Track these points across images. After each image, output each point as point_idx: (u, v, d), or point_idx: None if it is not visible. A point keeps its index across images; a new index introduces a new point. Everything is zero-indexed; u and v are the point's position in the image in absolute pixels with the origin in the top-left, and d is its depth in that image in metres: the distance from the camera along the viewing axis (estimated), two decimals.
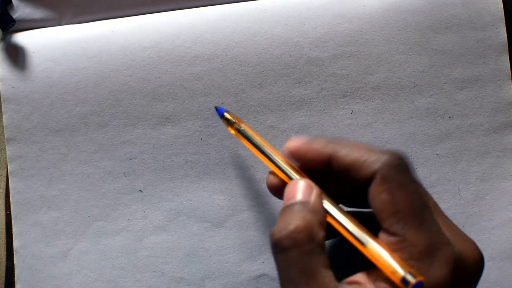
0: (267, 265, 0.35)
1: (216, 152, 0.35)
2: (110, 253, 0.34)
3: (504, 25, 0.35)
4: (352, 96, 0.35)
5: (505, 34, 0.35)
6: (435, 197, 0.35)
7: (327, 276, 0.23)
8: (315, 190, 0.26)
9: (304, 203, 0.25)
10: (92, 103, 0.35)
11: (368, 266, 0.24)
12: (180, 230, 0.35)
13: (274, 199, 0.32)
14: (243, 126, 0.31)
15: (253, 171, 0.35)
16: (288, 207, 0.25)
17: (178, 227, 0.35)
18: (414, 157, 0.35)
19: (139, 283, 0.34)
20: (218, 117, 0.35)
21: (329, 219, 0.25)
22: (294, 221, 0.24)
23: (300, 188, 0.26)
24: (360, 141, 0.35)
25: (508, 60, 0.35)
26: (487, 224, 0.35)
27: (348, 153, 0.25)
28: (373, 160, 0.24)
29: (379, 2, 0.35)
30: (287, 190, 0.26)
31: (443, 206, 0.35)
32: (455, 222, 0.35)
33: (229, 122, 0.32)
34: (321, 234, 0.24)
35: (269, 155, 0.29)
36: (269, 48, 0.35)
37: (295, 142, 0.27)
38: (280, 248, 0.24)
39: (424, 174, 0.35)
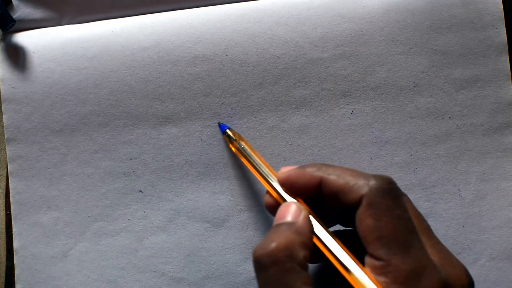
0: None
1: (216, 152, 0.35)
2: (110, 253, 0.34)
3: (504, 25, 0.35)
4: (352, 96, 0.35)
5: (505, 34, 0.35)
6: (435, 197, 0.35)
7: None
8: (303, 213, 0.26)
9: (290, 224, 0.25)
10: (92, 103, 0.35)
11: None
12: (180, 230, 0.35)
13: None
14: (243, 144, 0.32)
15: None
16: (275, 227, 0.26)
17: (178, 228, 0.35)
18: (414, 157, 0.35)
19: (139, 283, 0.34)
20: (218, 117, 0.35)
21: (317, 242, 0.26)
22: (276, 240, 0.24)
23: (291, 211, 0.26)
24: (360, 141, 0.35)
25: (508, 60, 0.35)
26: (487, 224, 0.35)
27: (337, 178, 0.26)
28: (361, 185, 0.25)
29: (379, 2, 0.35)
30: (278, 212, 0.27)
31: (443, 206, 0.35)
32: (454, 222, 0.35)
33: (230, 139, 0.33)
34: (302, 253, 0.24)
35: (265, 176, 0.29)
36: (269, 49, 0.35)
37: (285, 171, 0.28)
38: (261, 266, 0.24)
39: (424, 174, 0.35)
